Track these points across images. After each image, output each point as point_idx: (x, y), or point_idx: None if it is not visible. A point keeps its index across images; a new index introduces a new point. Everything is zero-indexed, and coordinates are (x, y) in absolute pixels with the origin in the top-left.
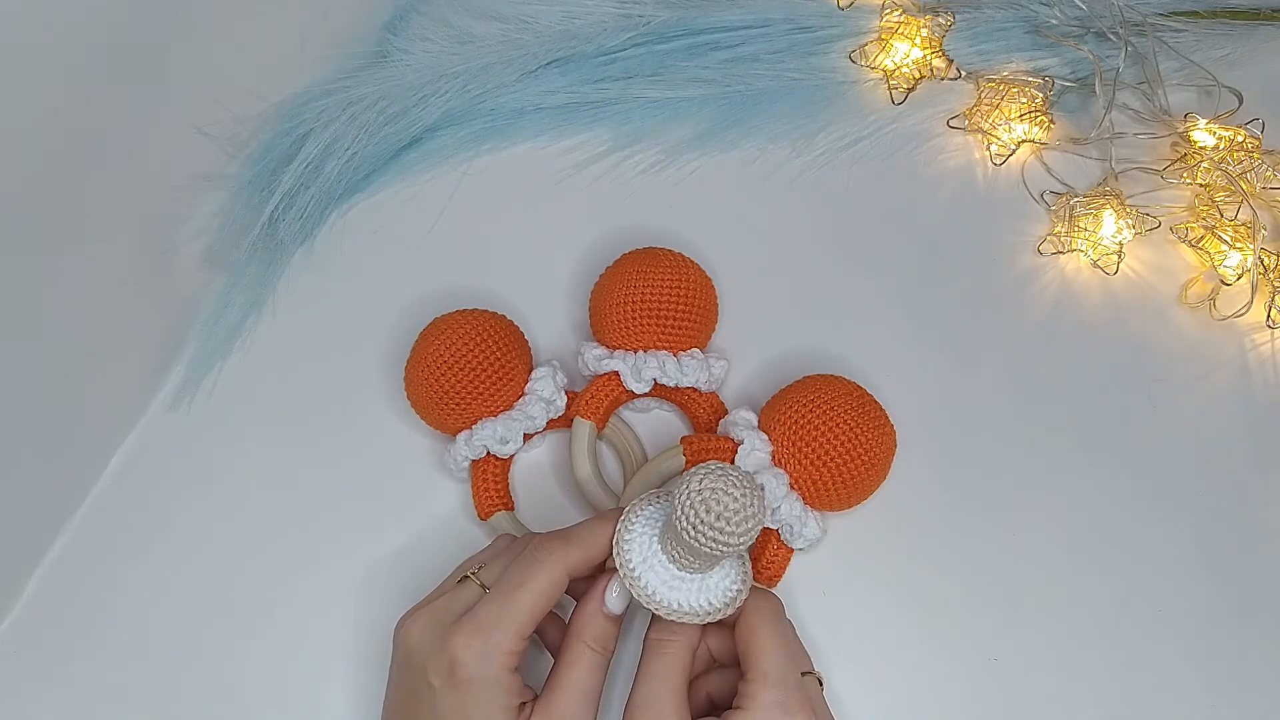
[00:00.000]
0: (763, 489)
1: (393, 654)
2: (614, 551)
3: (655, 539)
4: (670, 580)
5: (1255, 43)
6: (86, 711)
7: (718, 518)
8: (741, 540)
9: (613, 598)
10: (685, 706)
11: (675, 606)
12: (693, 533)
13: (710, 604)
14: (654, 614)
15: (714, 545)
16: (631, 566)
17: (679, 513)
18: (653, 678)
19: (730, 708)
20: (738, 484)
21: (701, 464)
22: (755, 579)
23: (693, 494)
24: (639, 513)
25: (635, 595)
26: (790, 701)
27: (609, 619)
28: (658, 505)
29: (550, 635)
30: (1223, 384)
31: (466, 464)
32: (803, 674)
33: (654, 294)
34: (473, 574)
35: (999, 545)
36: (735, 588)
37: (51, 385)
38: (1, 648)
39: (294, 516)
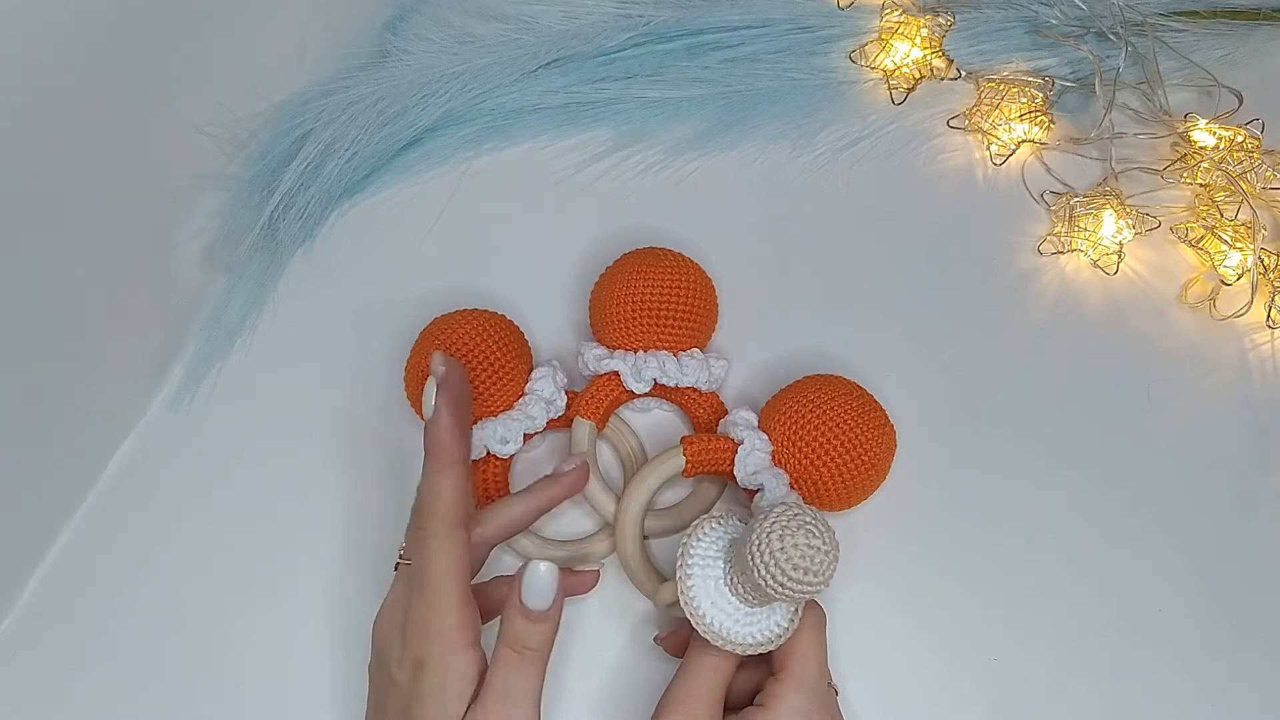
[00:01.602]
0: (763, 488)
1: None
2: (679, 594)
3: (721, 581)
4: (741, 619)
5: (1255, 43)
6: (86, 711)
7: (805, 572)
8: (828, 581)
9: (533, 593)
10: (719, 711)
11: (751, 641)
12: (779, 589)
13: (777, 628)
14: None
15: (799, 593)
16: (700, 611)
17: (761, 571)
18: (693, 676)
19: (750, 704)
20: (817, 534)
21: (773, 512)
22: None
23: (776, 554)
24: (693, 550)
25: (709, 637)
26: (815, 711)
27: (527, 618)
28: (713, 535)
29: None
30: (1223, 384)
31: None
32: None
33: (654, 294)
34: (400, 556)
35: (999, 545)
36: (794, 608)
37: (52, 385)
38: (1, 648)
39: (294, 516)
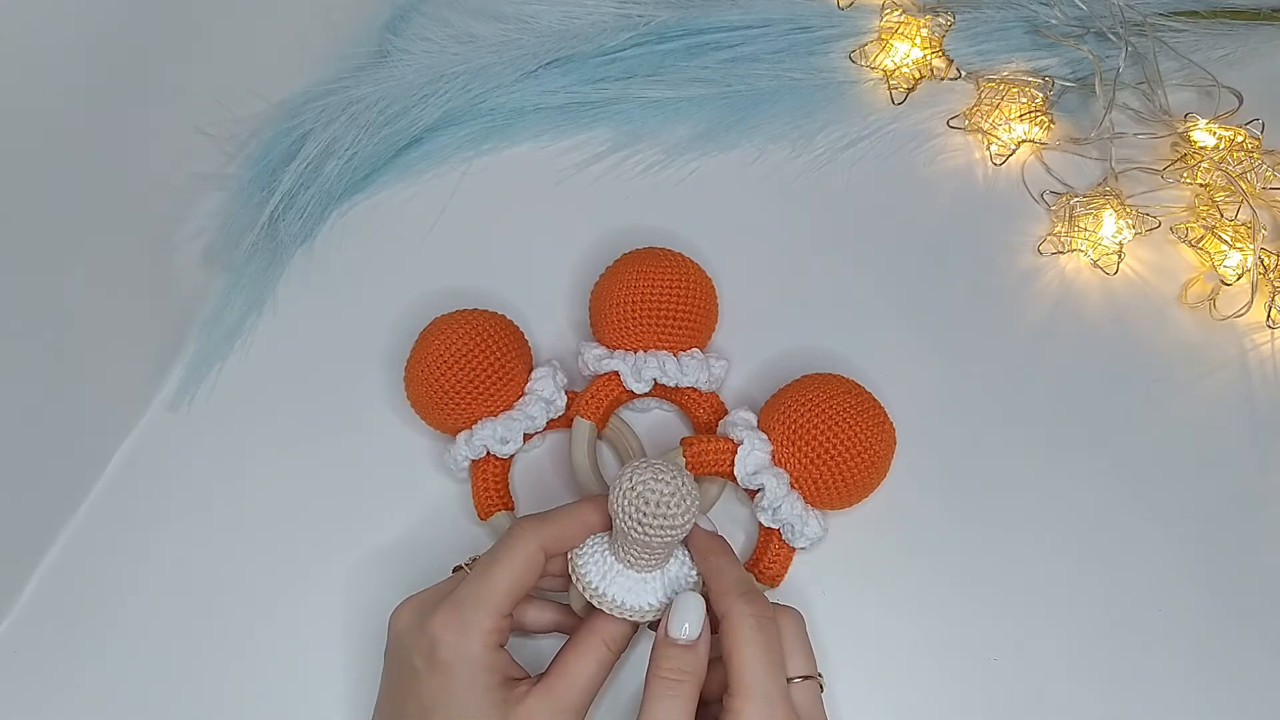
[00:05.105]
0: (747, 483)
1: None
2: (573, 579)
3: (607, 552)
4: (635, 587)
5: (1255, 43)
6: (87, 711)
7: (657, 505)
8: (688, 520)
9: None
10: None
11: (648, 606)
12: (640, 529)
13: (679, 591)
14: (659, 644)
15: (664, 533)
16: (593, 585)
17: (621, 517)
18: (657, 710)
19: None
20: (664, 471)
21: (626, 466)
22: (758, 580)
23: (627, 493)
24: (586, 540)
25: (606, 610)
26: (776, 715)
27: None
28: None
29: (530, 618)
30: (1223, 384)
31: (466, 464)
32: (800, 678)
33: (654, 294)
34: (465, 564)
35: (999, 544)
36: (689, 569)
37: (51, 385)
38: (1, 648)
39: (293, 516)
